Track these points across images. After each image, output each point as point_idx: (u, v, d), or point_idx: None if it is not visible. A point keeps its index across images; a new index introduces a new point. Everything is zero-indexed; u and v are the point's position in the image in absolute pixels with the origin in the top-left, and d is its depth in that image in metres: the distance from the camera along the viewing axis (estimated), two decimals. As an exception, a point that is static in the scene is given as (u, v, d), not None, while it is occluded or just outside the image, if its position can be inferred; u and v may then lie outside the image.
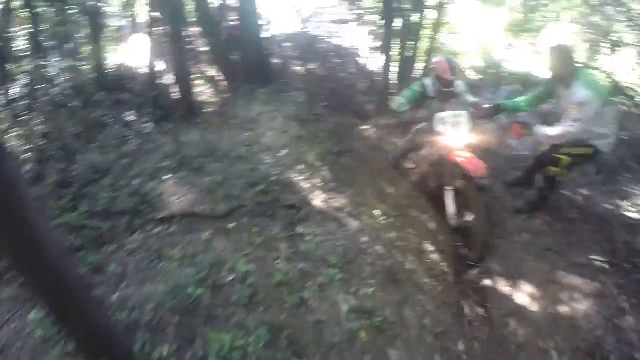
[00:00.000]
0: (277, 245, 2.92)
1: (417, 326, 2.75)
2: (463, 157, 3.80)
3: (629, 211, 4.58)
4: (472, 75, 9.47)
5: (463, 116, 4.03)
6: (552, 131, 3.76)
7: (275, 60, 6.92)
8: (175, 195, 3.31)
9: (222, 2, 8.52)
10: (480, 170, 3.67)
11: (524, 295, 3.51)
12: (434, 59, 4.43)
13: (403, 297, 2.87)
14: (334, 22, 9.40)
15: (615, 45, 7.86)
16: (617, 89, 5.94)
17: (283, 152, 3.81)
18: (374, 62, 9.04)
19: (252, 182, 3.38)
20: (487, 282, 3.64)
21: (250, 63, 5.95)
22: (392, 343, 2.55)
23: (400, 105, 4.18)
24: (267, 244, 2.91)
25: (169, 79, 5.23)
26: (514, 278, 3.65)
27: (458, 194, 3.96)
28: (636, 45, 7.64)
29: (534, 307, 3.41)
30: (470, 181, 3.79)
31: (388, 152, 4.70)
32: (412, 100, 4.31)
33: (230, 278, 2.60)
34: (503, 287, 3.60)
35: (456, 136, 3.95)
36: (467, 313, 3.31)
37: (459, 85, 4.39)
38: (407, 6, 6.36)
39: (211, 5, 7.41)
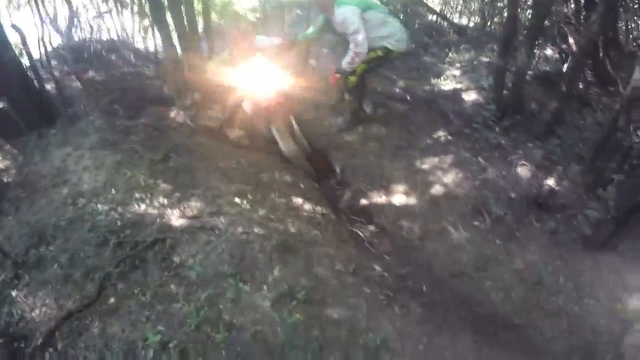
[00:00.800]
0: (167, 291, 2.63)
1: (333, 276, 2.77)
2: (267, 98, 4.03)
3: (444, 85, 5.07)
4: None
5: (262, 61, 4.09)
6: (347, 59, 3.96)
7: (50, 86, 5.65)
8: (34, 310, 2.73)
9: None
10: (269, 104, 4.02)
11: (399, 195, 3.70)
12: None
13: (305, 261, 2.84)
14: (94, 17, 8.55)
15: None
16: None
17: (111, 190, 3.30)
18: (150, 42, 8.60)
19: (101, 243, 2.90)
20: (364, 201, 3.75)
21: (22, 104, 4.51)
22: (325, 306, 2.54)
23: None
24: (158, 296, 2.60)
25: None
26: (383, 186, 3.81)
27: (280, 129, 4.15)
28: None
29: (412, 200, 3.64)
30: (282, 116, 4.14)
31: (208, 128, 4.58)
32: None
33: (150, 356, 2.28)
34: (379, 198, 3.74)
35: (261, 84, 4.05)
36: (365, 236, 3.40)
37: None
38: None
39: None
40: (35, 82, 4.67)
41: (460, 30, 7.68)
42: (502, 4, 8.00)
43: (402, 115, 4.50)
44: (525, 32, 4.33)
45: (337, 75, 4.13)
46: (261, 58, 4.09)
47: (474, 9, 8.67)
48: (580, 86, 4.61)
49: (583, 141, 4.10)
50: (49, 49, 7.84)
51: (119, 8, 8.83)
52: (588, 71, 5.02)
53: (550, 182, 3.64)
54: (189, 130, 4.44)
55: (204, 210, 3.12)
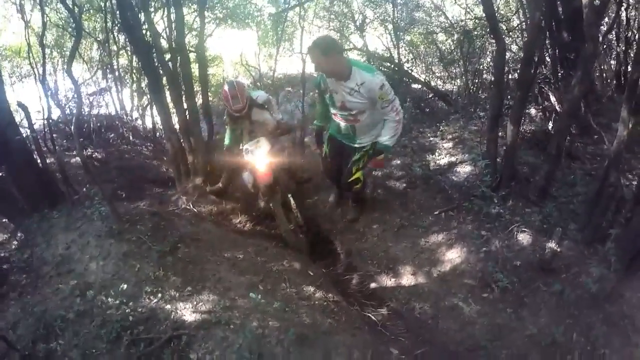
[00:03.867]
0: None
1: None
2: (262, 173, 4.15)
3: (439, 160, 5.34)
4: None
5: (261, 141, 4.26)
6: (391, 132, 3.78)
7: (51, 162, 5.51)
8: None
9: None
10: (263, 180, 4.13)
11: (408, 275, 3.86)
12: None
13: (324, 352, 2.90)
14: (92, 94, 8.81)
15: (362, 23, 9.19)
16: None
17: (120, 282, 3.37)
18: (148, 119, 8.86)
19: (113, 339, 2.93)
20: (373, 284, 3.90)
21: (25, 184, 4.43)
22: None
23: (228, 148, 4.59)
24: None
25: None
26: (390, 268, 3.98)
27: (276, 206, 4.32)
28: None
29: (421, 279, 3.79)
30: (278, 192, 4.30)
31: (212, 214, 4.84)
32: (234, 142, 4.65)
33: None
34: (388, 280, 3.89)
35: (259, 159, 4.19)
36: (378, 320, 3.48)
37: (262, 100, 4.56)
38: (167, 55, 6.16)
39: None
40: (39, 161, 4.70)
41: (445, 97, 8.15)
42: (481, 66, 8.59)
43: (402, 194, 4.74)
44: (510, 108, 4.63)
45: (380, 157, 3.98)
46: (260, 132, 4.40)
47: (455, 74, 9.19)
48: (567, 142, 4.86)
49: (577, 196, 4.30)
50: (50, 122, 8.13)
51: (119, 86, 9.12)
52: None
53: (552, 244, 3.75)
54: (194, 216, 4.59)
55: (217, 303, 3.20)
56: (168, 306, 3.17)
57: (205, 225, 4.35)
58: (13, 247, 4.23)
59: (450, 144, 5.62)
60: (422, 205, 4.54)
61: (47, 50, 8.51)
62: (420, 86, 8.79)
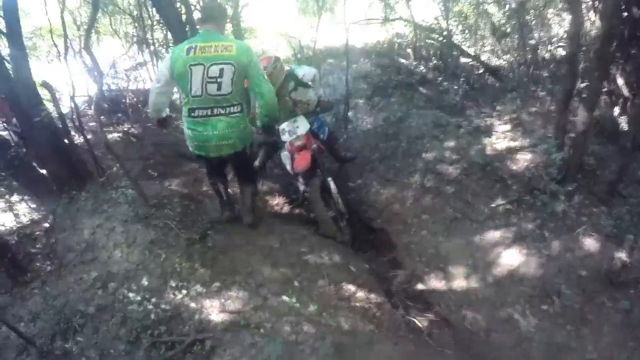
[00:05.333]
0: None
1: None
2: (298, 157, 3.85)
3: (496, 144, 4.78)
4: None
5: (299, 120, 3.94)
6: None
7: (79, 139, 5.22)
8: None
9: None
10: (301, 165, 3.76)
11: (459, 278, 3.41)
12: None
13: (364, 360, 2.57)
14: (130, 69, 8.58)
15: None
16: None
17: (144, 274, 3.07)
18: None
19: (133, 340, 2.65)
20: (420, 285, 3.46)
21: (53, 165, 4.28)
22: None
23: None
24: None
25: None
26: (440, 268, 3.53)
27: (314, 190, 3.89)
28: None
29: (474, 284, 3.34)
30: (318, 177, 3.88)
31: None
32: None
33: None
34: (437, 282, 3.44)
35: (296, 142, 3.89)
36: (423, 326, 3.09)
37: (308, 79, 4.14)
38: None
39: None
40: (67, 141, 4.45)
41: (495, 72, 7.49)
42: (534, 42, 7.82)
43: (455, 181, 4.23)
44: (586, 84, 4.01)
45: None
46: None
47: (508, 48, 8.42)
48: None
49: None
50: (85, 97, 7.99)
51: (154, 60, 8.88)
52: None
53: (622, 254, 3.24)
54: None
55: (246, 303, 2.87)
56: (193, 304, 2.87)
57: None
58: (41, 230, 3.97)
59: (507, 126, 5.04)
60: (478, 195, 4.05)
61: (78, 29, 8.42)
62: (470, 60, 8.08)
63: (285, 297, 2.86)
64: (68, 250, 3.51)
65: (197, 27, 4.22)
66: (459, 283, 3.39)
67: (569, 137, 4.04)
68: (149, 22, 8.71)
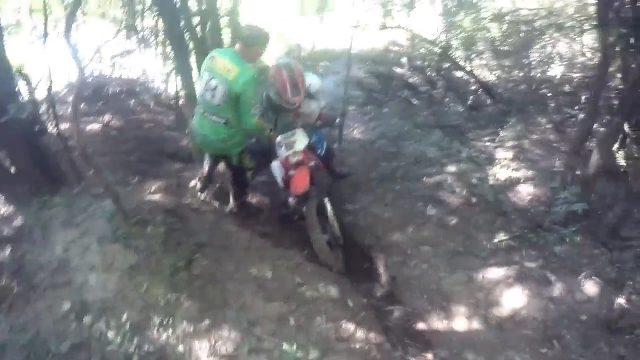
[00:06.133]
0: None
1: None
2: (295, 174, 3.63)
3: (498, 173, 4.65)
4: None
5: (298, 133, 3.69)
6: None
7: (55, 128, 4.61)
8: None
9: None
10: (299, 187, 3.54)
11: (461, 318, 3.24)
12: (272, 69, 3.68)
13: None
14: (116, 56, 8.17)
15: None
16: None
17: (124, 309, 2.75)
18: (172, 86, 8.21)
19: None
20: (420, 324, 3.27)
21: (25, 165, 3.82)
22: None
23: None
24: None
25: None
26: (441, 306, 3.34)
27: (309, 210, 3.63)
28: None
29: (476, 325, 3.18)
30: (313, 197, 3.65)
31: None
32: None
33: None
34: (438, 322, 3.26)
35: (293, 159, 3.67)
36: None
37: (315, 89, 3.94)
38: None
39: None
40: (42, 138, 3.97)
41: (488, 89, 7.40)
42: (526, 61, 7.75)
43: (457, 211, 4.07)
44: (607, 121, 3.90)
45: None
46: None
47: (505, 67, 8.33)
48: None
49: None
50: (66, 83, 7.54)
51: (142, 48, 8.47)
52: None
53: (621, 300, 3.21)
54: (213, 213, 3.98)
55: (240, 344, 2.61)
56: (180, 346, 2.57)
57: (227, 227, 3.72)
58: (10, 240, 3.59)
59: (509, 154, 4.91)
60: (480, 228, 3.90)
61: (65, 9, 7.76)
62: (466, 75, 7.96)
63: (285, 345, 2.62)
64: (38, 268, 3.16)
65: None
66: (461, 323, 3.22)
67: (577, 176, 3.93)
68: (140, 7, 8.31)
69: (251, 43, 3.30)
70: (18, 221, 3.70)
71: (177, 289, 2.92)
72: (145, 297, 2.84)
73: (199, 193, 4.30)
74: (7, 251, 3.39)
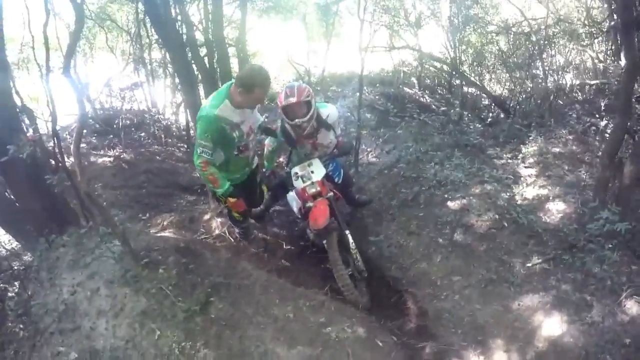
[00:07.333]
0: None
1: None
2: (314, 206, 3.47)
3: (525, 192, 4.44)
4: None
5: (314, 164, 3.60)
6: None
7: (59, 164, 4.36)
8: None
9: None
10: (319, 220, 3.34)
11: (499, 352, 2.98)
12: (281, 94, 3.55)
13: None
14: (124, 88, 8.19)
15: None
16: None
17: (135, 357, 2.58)
18: (182, 117, 8.20)
19: None
20: (455, 361, 3.04)
21: (30, 203, 3.73)
22: None
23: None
24: None
25: None
26: (477, 340, 3.10)
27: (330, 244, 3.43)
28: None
29: (514, 358, 2.94)
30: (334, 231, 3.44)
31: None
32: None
33: None
34: (473, 358, 3.02)
35: (311, 186, 3.55)
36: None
37: (332, 120, 3.73)
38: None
39: None
40: (48, 175, 3.60)
41: (502, 103, 7.22)
42: (536, 71, 7.56)
43: (486, 236, 3.83)
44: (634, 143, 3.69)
45: None
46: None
47: (517, 80, 8.15)
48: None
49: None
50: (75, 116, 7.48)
51: (151, 81, 8.52)
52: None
53: None
54: (229, 249, 3.81)
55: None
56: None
57: (244, 265, 3.51)
58: (17, 280, 3.46)
59: (534, 170, 4.70)
60: (512, 252, 3.65)
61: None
62: (475, 90, 7.81)
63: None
64: (45, 311, 3.00)
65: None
66: (499, 357, 2.97)
67: (610, 189, 3.70)
68: (147, 40, 8.39)
69: (240, 84, 3.11)
70: (25, 260, 3.59)
71: (193, 336, 2.73)
72: (158, 345, 2.66)
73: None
74: (13, 292, 3.24)
